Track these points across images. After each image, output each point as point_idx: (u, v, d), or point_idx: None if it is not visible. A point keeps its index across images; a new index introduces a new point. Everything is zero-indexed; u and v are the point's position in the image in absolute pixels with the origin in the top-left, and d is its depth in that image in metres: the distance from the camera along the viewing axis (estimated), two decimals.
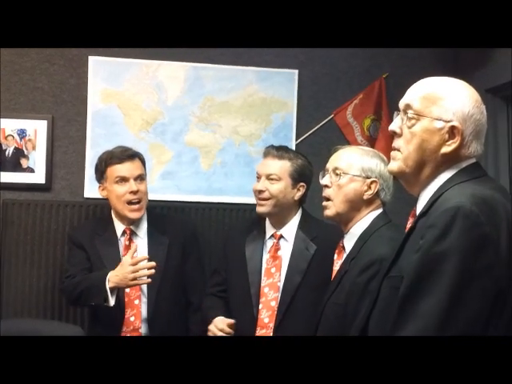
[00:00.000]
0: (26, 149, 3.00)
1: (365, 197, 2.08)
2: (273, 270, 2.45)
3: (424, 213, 1.46)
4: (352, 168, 2.08)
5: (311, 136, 3.20)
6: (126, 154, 2.59)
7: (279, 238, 2.48)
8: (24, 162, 3.00)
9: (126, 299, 2.55)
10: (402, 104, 1.57)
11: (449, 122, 1.48)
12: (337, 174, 2.10)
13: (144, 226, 2.66)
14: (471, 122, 1.49)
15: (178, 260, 2.66)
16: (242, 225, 2.71)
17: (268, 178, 2.46)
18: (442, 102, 1.50)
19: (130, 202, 2.56)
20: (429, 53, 3.23)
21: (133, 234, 2.64)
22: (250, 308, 2.43)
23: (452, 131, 1.48)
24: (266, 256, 2.48)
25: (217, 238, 3.04)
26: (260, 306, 2.41)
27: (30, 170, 3.00)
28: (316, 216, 2.50)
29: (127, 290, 2.54)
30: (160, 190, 3.08)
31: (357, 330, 1.78)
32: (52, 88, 3.04)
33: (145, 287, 2.56)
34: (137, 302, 2.56)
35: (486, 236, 1.33)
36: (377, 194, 2.09)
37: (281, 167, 2.46)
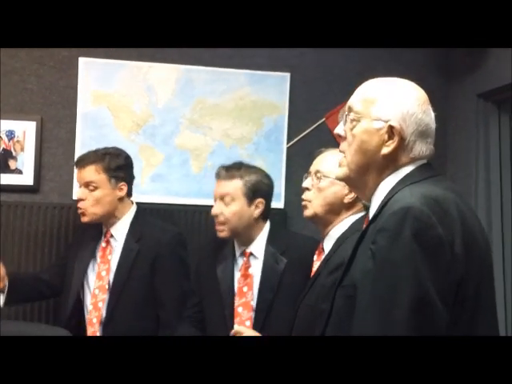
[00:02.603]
0: (15, 150, 2.97)
1: (345, 200, 2.05)
2: (245, 289, 2.38)
3: (374, 217, 1.41)
4: (333, 172, 2.00)
5: (303, 139, 3.19)
6: (81, 162, 2.60)
7: (249, 256, 2.42)
8: (12, 164, 2.97)
9: (94, 300, 2.55)
10: (346, 106, 1.55)
11: (387, 121, 1.44)
12: (318, 177, 2.08)
13: (124, 229, 2.62)
14: (412, 121, 1.44)
15: (144, 270, 2.55)
16: (212, 243, 2.58)
17: (222, 200, 2.40)
18: (381, 102, 1.46)
19: (79, 208, 2.58)
20: (421, 57, 3.24)
21: (111, 236, 2.62)
22: (224, 330, 2.33)
23: (391, 131, 1.44)
24: (237, 275, 2.42)
25: (207, 241, 3.01)
26: (236, 327, 2.32)
27: (19, 171, 2.97)
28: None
29: (96, 292, 2.55)
30: (150, 192, 3.06)
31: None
32: (41, 89, 3.02)
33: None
34: (100, 304, 2.54)
35: (439, 237, 1.28)
36: (358, 199, 2.04)
37: (233, 187, 2.39)
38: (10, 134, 2.97)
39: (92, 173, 2.56)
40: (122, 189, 2.61)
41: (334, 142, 3.12)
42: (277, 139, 3.19)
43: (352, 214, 2.06)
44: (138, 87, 3.08)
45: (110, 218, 2.61)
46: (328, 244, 2.05)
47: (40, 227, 2.97)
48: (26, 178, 2.98)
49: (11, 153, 2.97)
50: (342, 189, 2.04)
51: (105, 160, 2.57)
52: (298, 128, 3.21)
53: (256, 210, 2.41)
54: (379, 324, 1.27)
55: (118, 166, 2.60)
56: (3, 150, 2.96)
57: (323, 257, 2.07)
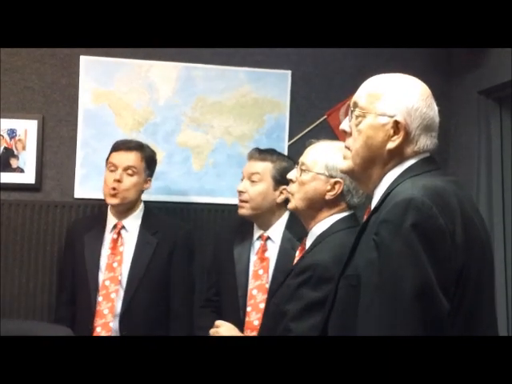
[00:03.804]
0: (16, 149, 2.97)
1: (327, 197, 1.94)
2: (260, 271, 2.42)
3: (376, 208, 1.43)
4: (316, 165, 1.96)
5: (304, 137, 3.18)
6: (124, 145, 2.65)
7: (266, 240, 2.46)
8: (14, 162, 2.97)
9: (104, 292, 2.56)
10: (351, 102, 1.56)
11: (392, 117, 1.46)
12: (302, 170, 2.00)
13: (137, 222, 2.68)
14: (416, 116, 1.46)
15: (163, 263, 2.64)
16: (232, 226, 2.66)
17: (250, 178, 2.45)
18: (386, 97, 1.48)
19: (113, 189, 2.59)
20: (422, 54, 3.24)
21: (123, 228, 2.66)
22: (237, 311, 2.40)
23: (396, 126, 1.46)
24: (253, 258, 2.46)
25: (209, 239, 3.01)
26: (249, 309, 2.39)
27: (20, 170, 2.97)
28: None
29: (107, 283, 2.57)
30: (151, 190, 3.04)
31: (288, 331, 1.77)
32: (43, 87, 3.02)
33: (124, 283, 2.58)
34: (113, 295, 2.56)
35: (440, 228, 1.31)
36: (342, 196, 1.95)
37: (263, 168, 2.45)
38: (12, 133, 2.97)
39: (136, 158, 2.63)
40: (147, 182, 2.71)
41: (336, 139, 3.12)
42: (278, 137, 3.19)
43: (335, 213, 1.96)
44: (139, 85, 3.08)
45: (131, 207, 2.67)
46: (310, 241, 1.99)
47: (42, 226, 2.97)
48: (28, 177, 2.98)
49: (13, 151, 2.97)
50: (323, 184, 1.95)
51: (146, 150, 2.68)
52: (300, 125, 3.21)
53: (280, 196, 2.44)
54: (383, 313, 1.30)
55: (153, 160, 2.72)
56: (5, 148, 2.96)
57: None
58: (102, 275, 2.59)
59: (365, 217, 1.54)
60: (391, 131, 1.46)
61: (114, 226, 2.66)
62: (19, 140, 2.97)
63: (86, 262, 2.62)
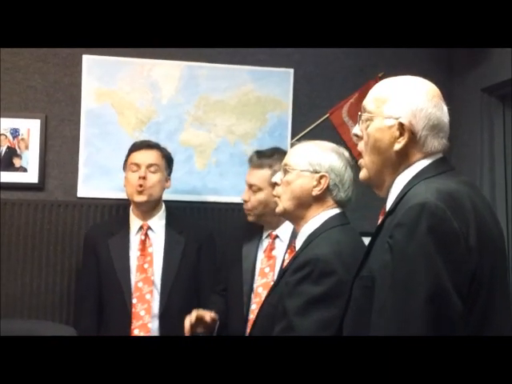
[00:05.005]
0: (19, 148, 2.98)
1: (314, 193, 1.90)
2: (267, 269, 2.44)
3: (391, 211, 1.45)
4: (300, 163, 1.94)
5: (306, 135, 3.18)
6: (143, 144, 2.69)
7: (274, 238, 2.48)
8: (17, 162, 2.98)
9: (138, 293, 2.58)
10: (361, 107, 1.59)
11: (397, 118, 1.48)
12: (286, 171, 1.97)
13: (161, 223, 2.71)
14: (421, 116, 1.47)
15: (192, 261, 2.69)
16: (242, 223, 2.68)
17: (250, 188, 2.49)
18: (392, 99, 1.51)
19: (139, 186, 2.60)
20: (424, 52, 3.23)
21: (149, 229, 2.68)
22: (241, 307, 2.43)
23: (401, 127, 1.48)
24: (261, 256, 2.48)
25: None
26: (253, 306, 2.40)
27: (23, 169, 2.98)
28: None
29: (139, 285, 2.58)
30: None
31: (286, 331, 1.73)
32: (45, 87, 3.02)
33: (158, 284, 2.61)
34: (148, 296, 2.59)
35: (454, 231, 1.32)
36: (328, 192, 1.92)
37: (260, 177, 2.46)
38: (15, 132, 2.97)
39: (157, 156, 2.68)
40: (168, 181, 2.75)
41: (338, 137, 3.14)
42: (281, 135, 3.19)
43: (324, 210, 1.93)
44: (142, 84, 3.08)
45: (155, 206, 2.70)
46: (299, 242, 1.96)
47: (45, 225, 2.98)
48: (31, 176, 2.99)
49: (16, 151, 2.98)
50: (309, 181, 1.92)
51: (163, 150, 2.73)
52: (302, 124, 3.20)
53: None
54: (397, 315, 1.31)
55: (171, 159, 2.77)
56: (8, 148, 2.97)
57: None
58: (134, 277, 2.60)
59: (380, 218, 1.56)
60: (397, 133, 1.48)
61: (141, 228, 2.68)
62: (22, 139, 2.98)
63: (114, 266, 2.62)
